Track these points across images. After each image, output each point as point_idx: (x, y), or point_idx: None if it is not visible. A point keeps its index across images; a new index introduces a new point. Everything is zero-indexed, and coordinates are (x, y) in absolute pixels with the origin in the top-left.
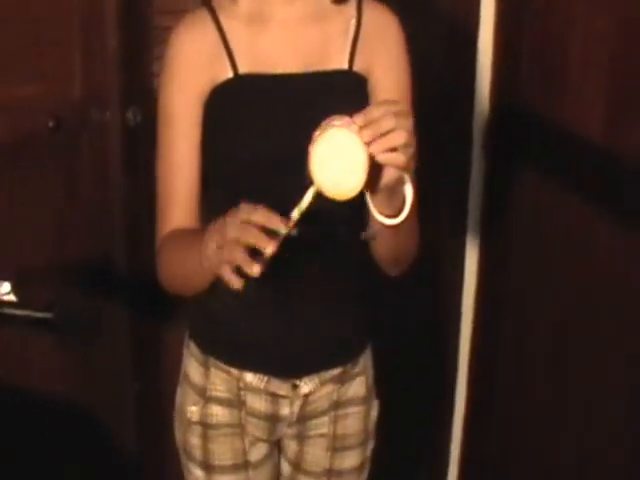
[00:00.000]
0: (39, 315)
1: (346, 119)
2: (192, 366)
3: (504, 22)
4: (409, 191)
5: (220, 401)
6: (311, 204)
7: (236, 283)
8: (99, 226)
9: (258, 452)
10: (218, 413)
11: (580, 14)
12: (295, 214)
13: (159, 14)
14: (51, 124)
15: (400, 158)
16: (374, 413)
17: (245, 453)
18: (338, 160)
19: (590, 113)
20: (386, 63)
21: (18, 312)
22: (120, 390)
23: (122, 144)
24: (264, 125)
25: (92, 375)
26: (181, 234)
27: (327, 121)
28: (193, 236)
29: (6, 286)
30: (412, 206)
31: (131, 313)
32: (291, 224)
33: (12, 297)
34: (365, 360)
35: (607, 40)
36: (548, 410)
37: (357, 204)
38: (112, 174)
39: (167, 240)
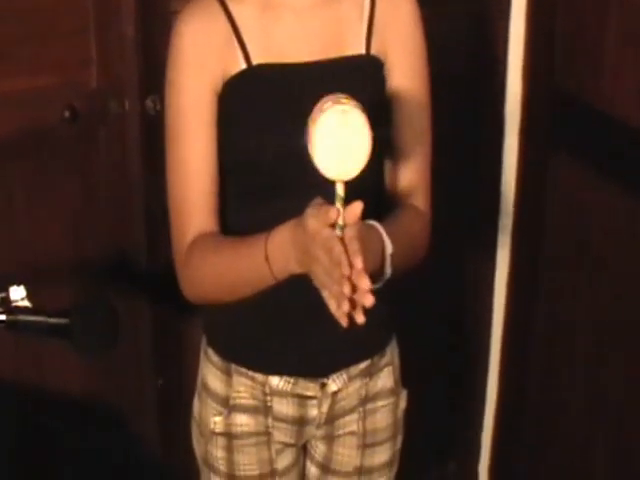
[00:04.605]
0: (55, 321)
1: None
2: (212, 374)
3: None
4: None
5: (245, 409)
6: (346, 193)
7: (345, 322)
8: (117, 222)
9: (285, 459)
10: (243, 422)
11: None
12: (339, 207)
13: None
14: (67, 115)
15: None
16: (403, 404)
17: (272, 462)
18: (342, 138)
19: (627, 95)
20: (400, 45)
21: (33, 318)
22: (142, 387)
23: (141, 134)
24: (282, 116)
25: (113, 372)
26: (221, 242)
27: (322, 101)
28: (241, 245)
29: (21, 291)
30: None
31: (152, 309)
32: (342, 218)
33: (27, 303)
34: (392, 350)
35: None
36: (582, 402)
37: (371, 188)
38: (131, 166)
39: (201, 248)
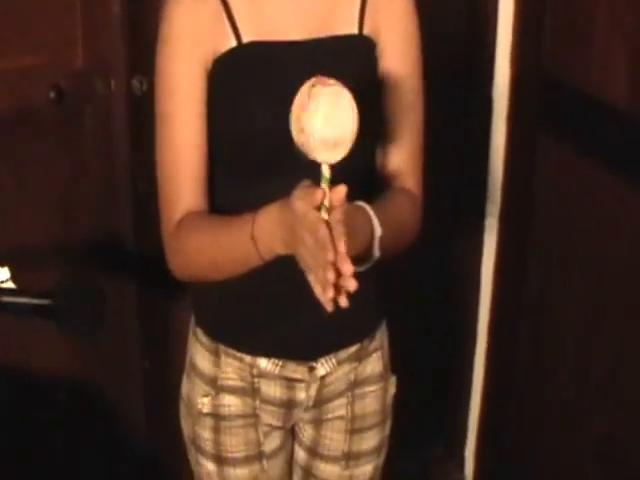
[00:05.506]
0: (37, 302)
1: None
2: (200, 355)
3: None
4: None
5: (233, 390)
6: (332, 175)
7: (330, 307)
8: (105, 202)
9: (273, 442)
10: (231, 403)
11: None
12: (325, 188)
13: None
14: (52, 95)
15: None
16: (392, 390)
17: (259, 444)
18: (327, 120)
19: (616, 79)
20: (393, 27)
21: (17, 300)
22: (129, 369)
23: (128, 114)
24: (272, 95)
25: (100, 354)
26: (210, 220)
27: (307, 84)
28: (228, 223)
29: (4, 272)
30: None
31: (139, 291)
32: (327, 200)
33: (11, 284)
34: (381, 335)
35: (634, 3)
36: (569, 389)
37: (361, 170)
38: (117, 146)
39: (189, 226)
